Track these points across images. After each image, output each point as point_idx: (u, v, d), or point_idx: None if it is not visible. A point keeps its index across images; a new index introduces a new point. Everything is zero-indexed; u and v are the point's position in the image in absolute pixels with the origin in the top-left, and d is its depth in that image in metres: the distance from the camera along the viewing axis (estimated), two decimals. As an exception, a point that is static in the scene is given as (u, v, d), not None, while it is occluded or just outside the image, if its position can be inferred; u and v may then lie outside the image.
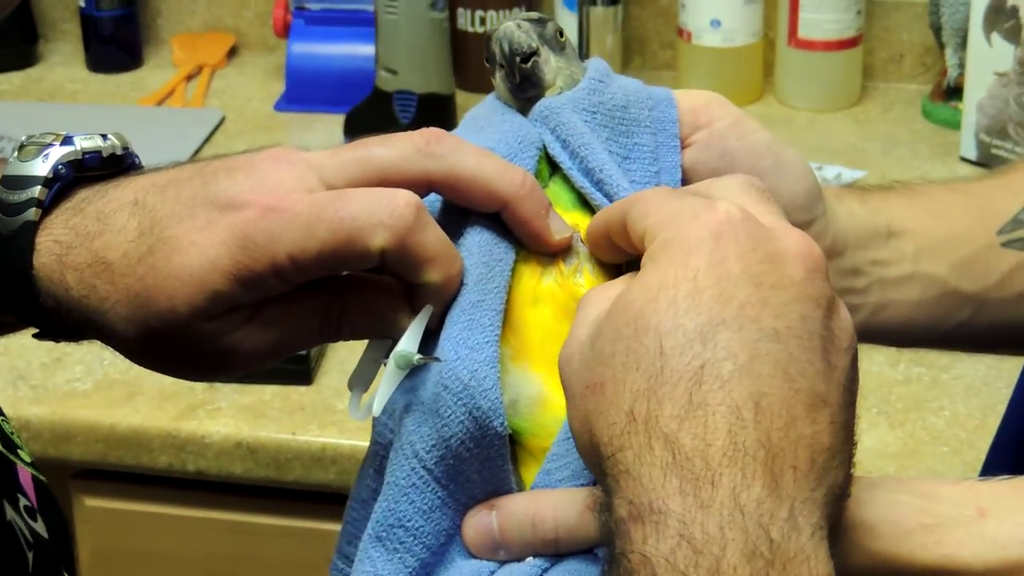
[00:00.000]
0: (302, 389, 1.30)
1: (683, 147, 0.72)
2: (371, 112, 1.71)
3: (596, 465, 0.57)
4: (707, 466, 0.53)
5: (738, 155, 0.72)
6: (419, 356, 0.63)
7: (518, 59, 0.68)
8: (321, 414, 1.28)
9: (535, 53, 0.68)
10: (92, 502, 1.36)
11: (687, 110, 0.72)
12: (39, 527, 0.68)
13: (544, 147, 0.68)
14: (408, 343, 0.63)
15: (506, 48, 0.68)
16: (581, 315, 0.60)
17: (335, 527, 1.43)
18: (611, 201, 0.66)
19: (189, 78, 1.96)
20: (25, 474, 0.71)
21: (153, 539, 1.37)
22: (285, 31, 1.87)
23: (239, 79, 1.96)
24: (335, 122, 1.77)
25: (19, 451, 0.72)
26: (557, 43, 0.70)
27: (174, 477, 1.31)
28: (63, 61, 2.02)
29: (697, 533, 0.52)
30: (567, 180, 0.68)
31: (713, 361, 0.54)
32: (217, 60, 1.98)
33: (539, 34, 0.69)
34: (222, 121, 1.83)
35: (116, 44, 1.98)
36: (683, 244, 0.57)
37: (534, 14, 0.70)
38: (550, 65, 0.69)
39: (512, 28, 0.68)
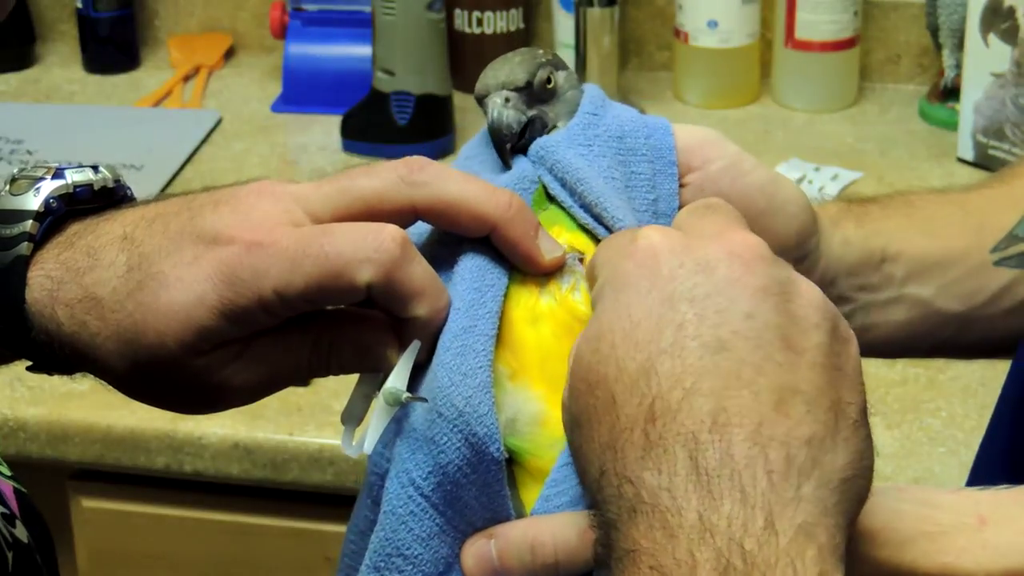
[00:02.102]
0: (299, 390, 1.30)
1: (680, 185, 0.71)
2: (368, 113, 1.71)
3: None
4: (672, 498, 0.53)
5: (730, 198, 0.70)
6: (407, 394, 0.63)
7: (509, 146, 0.68)
8: (318, 415, 1.28)
9: (527, 124, 0.68)
10: (89, 503, 1.36)
11: (682, 149, 0.71)
12: (19, 532, 0.68)
13: (540, 180, 0.68)
14: (396, 380, 0.63)
15: (494, 129, 0.68)
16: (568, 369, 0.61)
17: (332, 528, 1.43)
18: (611, 233, 0.66)
19: (186, 79, 1.96)
20: (6, 485, 0.71)
21: (150, 540, 1.37)
22: (282, 32, 1.87)
23: (236, 80, 1.96)
24: (332, 123, 1.77)
25: None
26: (547, 92, 0.69)
27: (171, 478, 1.30)
28: (60, 62, 2.02)
29: (667, 561, 0.52)
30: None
31: (660, 394, 0.54)
32: (214, 61, 1.98)
33: (527, 100, 0.69)
34: (219, 122, 1.83)
35: (113, 45, 1.98)
36: (613, 284, 0.58)
37: (521, 74, 0.69)
38: (547, 118, 0.69)
39: (499, 107, 0.68)
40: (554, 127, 0.70)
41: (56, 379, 1.30)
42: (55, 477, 1.35)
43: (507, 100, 0.68)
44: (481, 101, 0.69)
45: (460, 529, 0.63)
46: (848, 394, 0.56)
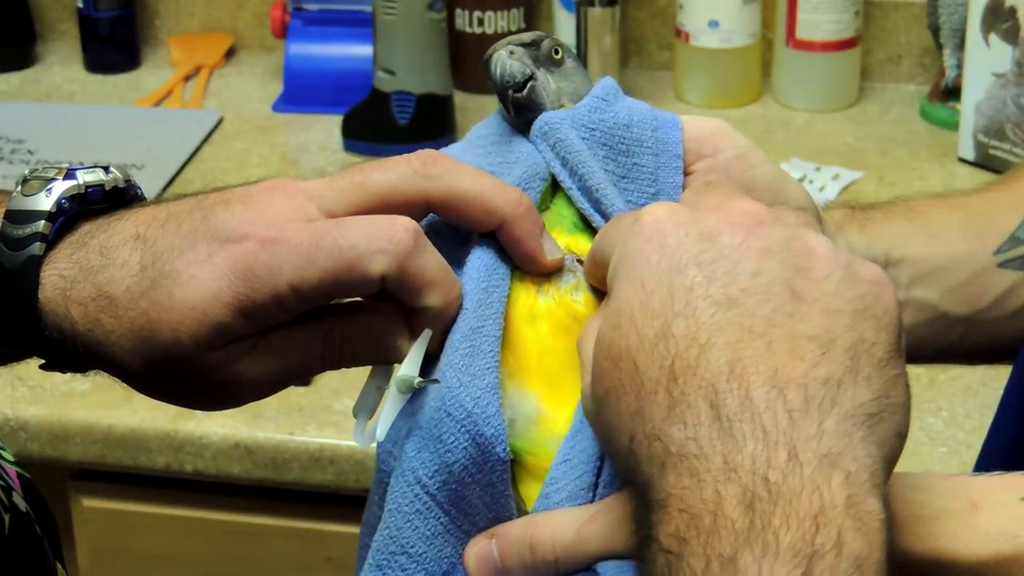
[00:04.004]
0: (300, 389, 1.30)
1: (685, 174, 0.71)
2: (369, 113, 1.71)
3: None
4: (699, 447, 0.54)
5: None
6: (419, 380, 0.64)
7: (511, 92, 0.68)
8: (319, 414, 1.28)
9: (531, 78, 0.68)
10: (90, 503, 1.36)
11: (692, 138, 0.72)
12: (17, 501, 0.68)
13: (548, 176, 0.68)
14: (409, 367, 0.64)
15: (497, 78, 0.68)
16: (580, 360, 0.62)
17: (333, 528, 1.43)
18: (607, 221, 0.67)
19: (187, 79, 1.96)
20: (10, 469, 0.71)
21: (151, 540, 1.37)
22: (283, 32, 1.87)
23: (237, 80, 1.96)
24: (333, 123, 1.77)
25: (1, 451, 0.72)
26: (553, 62, 0.69)
27: (172, 478, 1.31)
28: (61, 61, 2.02)
29: (695, 502, 0.53)
30: (568, 202, 0.68)
31: (678, 354, 0.56)
32: (215, 61, 1.98)
33: (533, 58, 0.69)
34: (220, 122, 1.83)
35: (114, 45, 1.98)
36: (625, 262, 0.59)
37: (527, 35, 0.70)
38: (549, 89, 0.69)
39: (504, 57, 0.68)
40: (560, 106, 0.69)
41: (57, 379, 1.29)
42: (56, 477, 1.35)
43: (512, 52, 0.68)
44: (488, 62, 0.69)
45: (464, 529, 0.64)
46: (873, 335, 0.56)
